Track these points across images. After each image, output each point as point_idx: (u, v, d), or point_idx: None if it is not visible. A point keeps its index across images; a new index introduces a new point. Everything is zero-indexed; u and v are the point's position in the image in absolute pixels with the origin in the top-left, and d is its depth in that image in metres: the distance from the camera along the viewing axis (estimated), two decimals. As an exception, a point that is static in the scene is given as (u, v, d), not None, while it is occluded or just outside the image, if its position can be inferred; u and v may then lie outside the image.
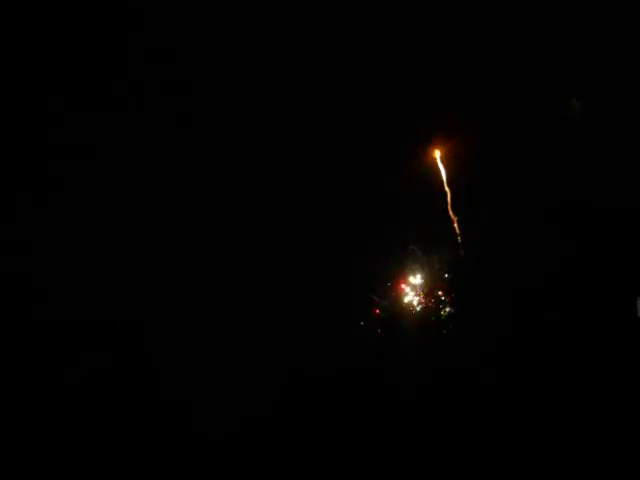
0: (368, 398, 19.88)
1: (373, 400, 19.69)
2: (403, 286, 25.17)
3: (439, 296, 22.25)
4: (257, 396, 22.82)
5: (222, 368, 23.02)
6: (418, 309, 23.13)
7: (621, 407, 14.22)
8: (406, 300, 24.66)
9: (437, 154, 27.61)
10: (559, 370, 15.43)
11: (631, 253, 16.21)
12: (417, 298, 23.71)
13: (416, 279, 24.31)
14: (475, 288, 19.57)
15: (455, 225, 25.41)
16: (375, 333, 23.43)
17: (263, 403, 22.86)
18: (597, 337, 15.18)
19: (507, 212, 21.01)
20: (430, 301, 22.47)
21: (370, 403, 19.69)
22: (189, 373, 22.36)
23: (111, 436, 18.11)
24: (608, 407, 14.28)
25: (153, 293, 23.48)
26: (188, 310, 24.17)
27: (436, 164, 27.10)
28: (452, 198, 26.26)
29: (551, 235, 18.31)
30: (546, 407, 15.18)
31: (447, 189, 26.40)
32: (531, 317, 16.87)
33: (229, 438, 21.12)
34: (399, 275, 25.26)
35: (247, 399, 22.71)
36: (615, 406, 14.28)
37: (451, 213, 26.00)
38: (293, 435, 20.66)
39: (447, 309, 21.54)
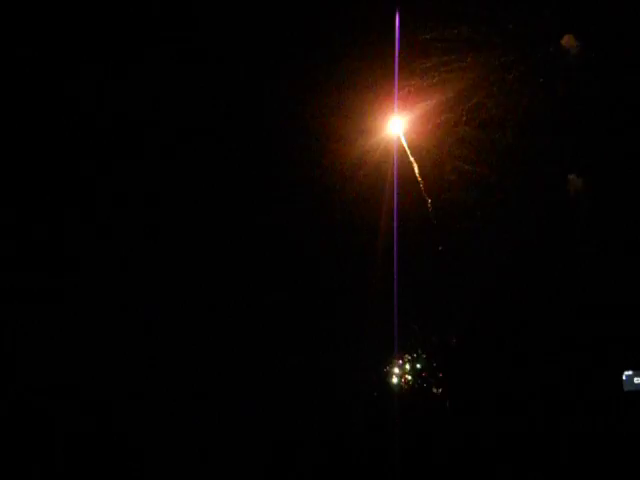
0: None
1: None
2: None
3: (424, 377, 21.26)
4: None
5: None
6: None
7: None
8: (394, 381, 24.64)
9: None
10: (545, 449, 15.24)
11: (617, 328, 15.59)
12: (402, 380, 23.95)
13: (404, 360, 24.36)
14: (461, 370, 18.59)
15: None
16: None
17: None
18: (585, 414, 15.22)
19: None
20: (417, 383, 22.24)
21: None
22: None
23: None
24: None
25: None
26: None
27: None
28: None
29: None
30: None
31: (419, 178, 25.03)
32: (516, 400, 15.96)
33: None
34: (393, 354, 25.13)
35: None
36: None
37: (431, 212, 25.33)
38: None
39: (434, 389, 21.90)
